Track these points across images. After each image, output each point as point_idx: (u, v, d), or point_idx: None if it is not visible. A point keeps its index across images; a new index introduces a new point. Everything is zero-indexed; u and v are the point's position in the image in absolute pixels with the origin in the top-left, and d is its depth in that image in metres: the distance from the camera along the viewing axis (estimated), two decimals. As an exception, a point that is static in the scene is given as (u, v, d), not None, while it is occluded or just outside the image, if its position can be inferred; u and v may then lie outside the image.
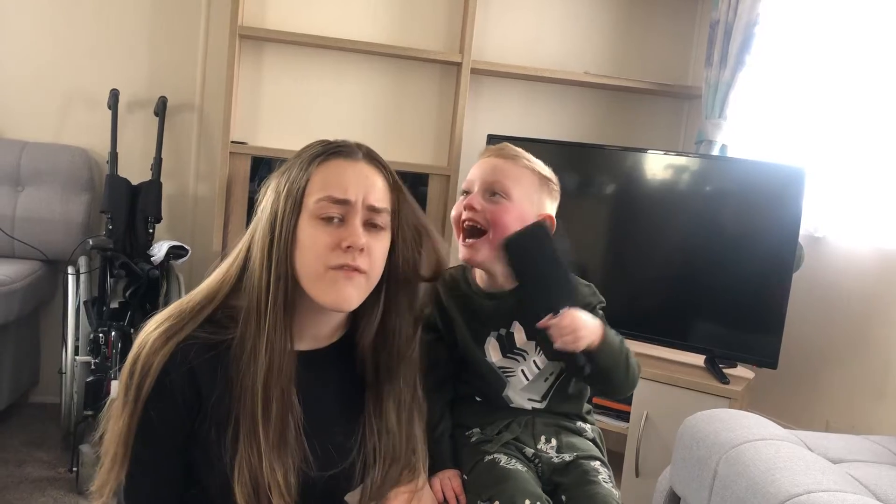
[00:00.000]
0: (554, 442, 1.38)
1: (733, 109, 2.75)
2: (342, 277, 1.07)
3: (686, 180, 2.57)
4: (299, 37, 2.84)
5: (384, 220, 1.13)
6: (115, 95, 2.79)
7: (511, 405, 1.41)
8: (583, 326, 1.24)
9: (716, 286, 2.48)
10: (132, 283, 2.57)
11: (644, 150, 2.67)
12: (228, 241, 2.77)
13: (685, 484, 1.83)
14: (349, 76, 2.99)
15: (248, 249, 1.12)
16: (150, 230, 2.75)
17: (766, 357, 2.37)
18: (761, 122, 2.76)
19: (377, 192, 1.12)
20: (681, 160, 2.60)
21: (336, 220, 1.08)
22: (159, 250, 2.61)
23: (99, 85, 2.89)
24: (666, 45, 3.18)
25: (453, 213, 1.40)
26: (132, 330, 2.48)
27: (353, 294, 1.09)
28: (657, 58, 3.17)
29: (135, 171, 2.84)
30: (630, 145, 2.92)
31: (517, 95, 3.11)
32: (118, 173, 2.74)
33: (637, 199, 2.64)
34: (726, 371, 2.45)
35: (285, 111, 2.97)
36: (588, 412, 1.48)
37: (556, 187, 1.41)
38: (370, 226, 1.11)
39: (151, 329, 1.09)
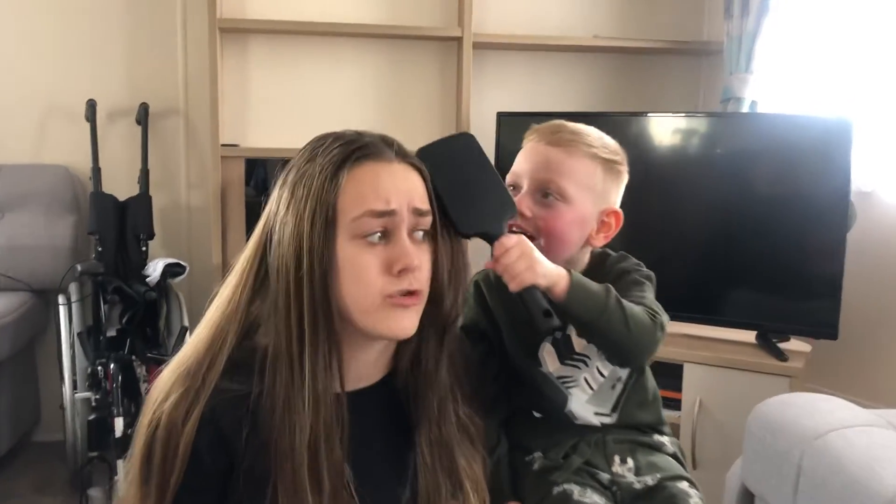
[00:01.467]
0: (631, 462, 1.19)
1: (760, 62, 2.56)
2: (400, 307, 0.92)
3: (719, 142, 2.38)
4: (284, 24, 2.70)
5: (428, 223, 0.96)
6: (91, 106, 2.65)
7: (576, 422, 1.22)
8: (531, 255, 1.04)
9: (762, 254, 2.29)
10: (128, 307, 2.43)
11: (672, 114, 2.47)
12: (228, 252, 2.64)
13: (762, 481, 1.66)
14: (342, 62, 2.84)
15: (257, 274, 0.95)
16: (143, 248, 2.62)
17: (824, 327, 2.18)
18: (792, 73, 2.58)
19: (419, 192, 0.96)
20: (711, 121, 2.41)
21: (378, 235, 0.92)
22: (154, 270, 2.47)
23: (74, 97, 2.73)
24: (676, 1, 3.02)
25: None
26: (133, 358, 2.33)
27: (412, 321, 0.95)
28: (668, 15, 3.01)
29: (121, 185, 2.70)
30: (648, 110, 2.72)
31: (524, 68, 2.97)
32: (103, 190, 2.61)
33: (665, 168, 2.44)
34: (780, 345, 2.26)
35: (276, 107, 2.82)
36: (663, 421, 1.29)
37: (624, 166, 1.23)
38: (415, 235, 0.95)
39: (163, 396, 0.92)
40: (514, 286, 1.03)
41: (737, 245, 2.33)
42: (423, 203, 0.95)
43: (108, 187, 2.63)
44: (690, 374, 2.24)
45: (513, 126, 2.55)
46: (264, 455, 0.89)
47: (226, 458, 0.89)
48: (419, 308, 0.95)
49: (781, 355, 2.19)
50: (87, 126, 2.63)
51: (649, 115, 2.48)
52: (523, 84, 2.95)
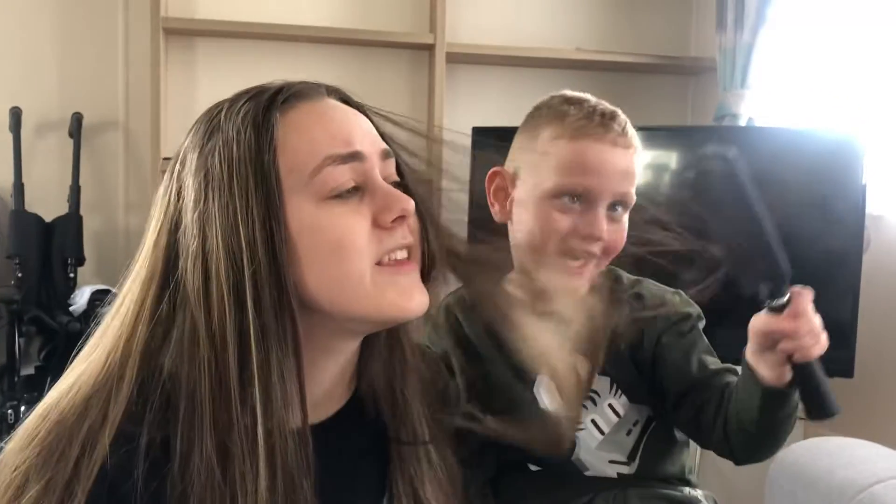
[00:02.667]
0: (660, 524, 0.92)
1: (757, 76, 2.40)
2: (397, 273, 0.71)
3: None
4: (237, 26, 2.49)
5: (394, 170, 0.76)
6: (16, 115, 2.39)
7: (586, 473, 0.96)
8: (819, 323, 0.84)
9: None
10: (48, 341, 2.19)
11: (665, 129, 2.29)
12: None
13: None
14: (301, 70, 2.52)
15: (157, 300, 0.69)
16: (72, 275, 2.35)
17: (837, 365, 1.98)
18: (791, 89, 2.43)
19: (373, 132, 0.75)
20: (706, 137, 2.24)
21: (353, 190, 0.70)
22: (81, 297, 2.18)
23: (-4, 104, 2.49)
24: (662, 13, 2.91)
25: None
26: None
27: (420, 289, 0.74)
28: (655, 28, 2.89)
29: (48, 204, 2.43)
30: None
31: (500, 81, 2.81)
32: (26, 208, 2.35)
33: (659, 187, 2.24)
34: (789, 385, 2.06)
35: None
36: (691, 470, 1.03)
37: None
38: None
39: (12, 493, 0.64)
40: (802, 359, 0.82)
41: (741, 273, 2.13)
42: (383, 143, 0.74)
43: (33, 206, 2.37)
44: None
45: (489, 142, 2.37)
46: None
47: None
48: (417, 273, 0.74)
49: (794, 395, 1.98)
50: (10, 137, 2.38)
51: (643, 129, 2.29)
52: (500, 99, 2.80)
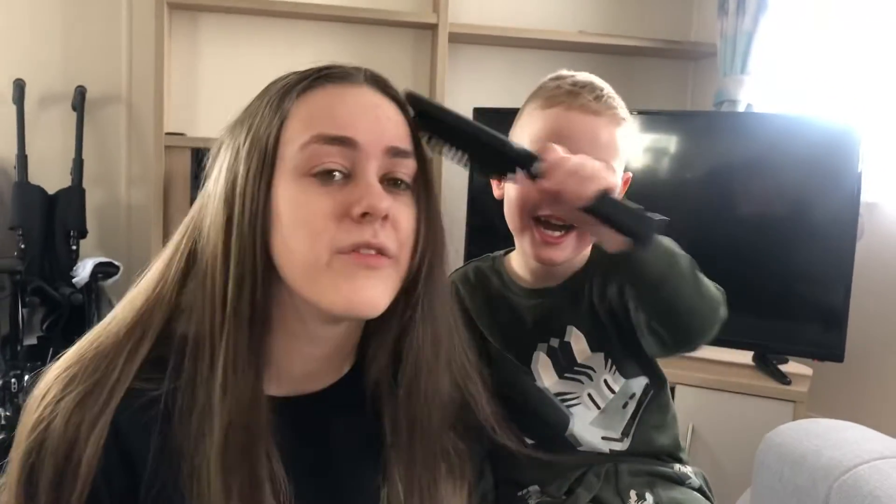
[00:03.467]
0: (650, 498, 0.96)
1: (756, 63, 2.40)
2: (359, 266, 0.69)
3: (715, 145, 2.19)
4: (241, 2, 2.48)
5: (409, 170, 0.74)
6: (20, 87, 2.40)
7: (580, 448, 0.98)
8: (582, 161, 0.82)
9: (760, 267, 2.10)
10: (51, 312, 2.19)
11: (663, 113, 2.30)
12: None
13: None
14: (302, 48, 2.64)
15: (190, 254, 0.74)
16: (74, 247, 2.37)
17: (828, 349, 2.00)
18: (791, 75, 2.43)
19: (396, 128, 0.73)
20: (704, 122, 2.26)
21: (338, 175, 0.70)
22: (83, 270, 2.20)
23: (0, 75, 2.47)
24: None
25: (514, 195, 0.97)
26: None
27: (379, 290, 0.70)
28: (657, 12, 2.88)
29: (51, 177, 2.45)
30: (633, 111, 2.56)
31: (502, 63, 2.80)
32: (29, 180, 2.36)
33: (655, 172, 2.25)
34: (779, 368, 2.08)
35: (228, 94, 2.57)
36: (682, 447, 1.06)
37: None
38: (391, 183, 0.72)
39: (56, 394, 0.68)
40: (581, 201, 0.79)
41: (733, 257, 2.13)
42: (403, 142, 0.73)
43: (36, 178, 2.38)
44: (682, 397, 2.04)
45: (491, 123, 2.37)
46: (174, 471, 0.67)
47: (133, 478, 0.68)
48: (389, 277, 0.72)
49: (784, 378, 2.00)
50: (13, 109, 2.37)
51: (636, 113, 2.29)
52: (501, 80, 2.79)
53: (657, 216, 0.80)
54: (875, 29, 2.20)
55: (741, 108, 2.43)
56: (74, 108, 2.47)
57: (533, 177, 0.81)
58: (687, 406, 2.05)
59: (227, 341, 0.67)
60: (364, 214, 0.68)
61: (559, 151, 0.81)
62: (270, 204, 0.69)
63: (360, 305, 0.69)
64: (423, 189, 0.75)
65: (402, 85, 0.78)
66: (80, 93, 2.47)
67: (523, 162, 0.81)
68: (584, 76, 0.98)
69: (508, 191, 0.98)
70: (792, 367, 2.15)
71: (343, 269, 0.68)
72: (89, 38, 2.57)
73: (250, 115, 0.73)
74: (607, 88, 0.97)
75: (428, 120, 0.78)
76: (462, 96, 2.68)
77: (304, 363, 0.75)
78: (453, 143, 0.80)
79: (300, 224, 0.68)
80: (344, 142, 0.69)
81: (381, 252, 0.69)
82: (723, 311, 0.90)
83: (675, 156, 2.23)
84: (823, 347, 2.02)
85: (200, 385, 0.68)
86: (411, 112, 0.76)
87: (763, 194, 2.15)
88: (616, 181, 0.96)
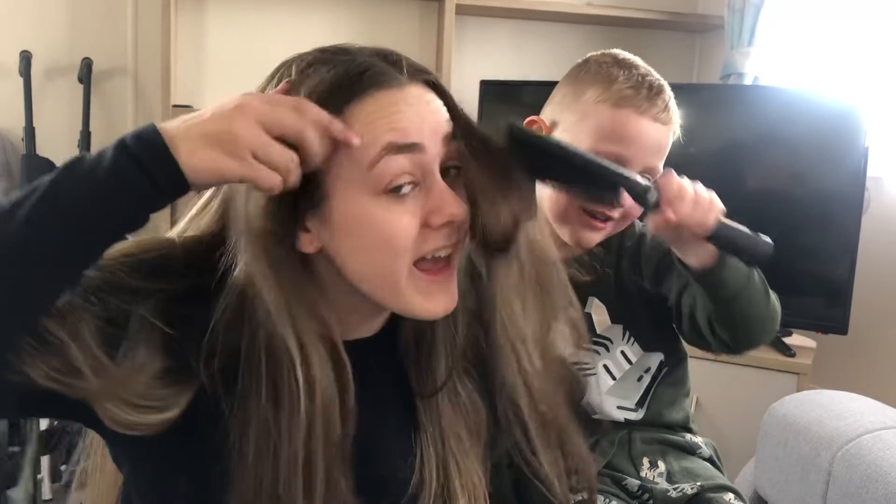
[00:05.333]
0: (662, 466, 0.98)
1: (763, 35, 2.40)
2: (433, 283, 0.72)
3: (721, 119, 2.20)
4: None
5: (456, 149, 0.72)
6: (26, 59, 2.38)
7: (594, 416, 1.00)
8: (698, 189, 0.84)
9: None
10: None
11: (671, 86, 2.28)
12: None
13: (782, 489, 1.49)
14: (310, 19, 2.63)
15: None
16: None
17: (832, 322, 2.03)
18: (798, 47, 2.43)
19: (443, 113, 0.72)
20: (711, 95, 2.28)
21: (408, 187, 0.69)
22: (93, 243, 2.18)
23: (6, 48, 2.46)
24: None
25: None
26: None
27: (452, 295, 0.73)
28: None
29: (59, 149, 2.44)
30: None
31: (509, 34, 2.79)
32: (38, 153, 2.36)
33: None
34: (783, 340, 2.11)
35: (235, 66, 2.59)
36: (692, 419, 1.08)
37: None
38: (445, 174, 0.72)
39: None
40: (704, 231, 0.82)
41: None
42: (450, 124, 0.72)
43: (44, 150, 2.38)
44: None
45: (498, 95, 2.37)
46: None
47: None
48: (456, 270, 0.74)
49: (788, 350, 2.03)
50: (21, 81, 2.37)
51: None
52: (508, 52, 2.79)
53: (767, 239, 0.83)
54: (883, 1, 2.19)
55: (748, 82, 2.43)
56: (81, 81, 2.46)
57: (649, 206, 0.81)
58: (692, 378, 2.04)
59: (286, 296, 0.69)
60: (445, 223, 0.69)
61: (676, 179, 0.82)
62: (341, 230, 0.69)
63: (437, 314, 0.72)
64: (467, 162, 0.74)
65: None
66: (87, 65, 2.46)
67: (641, 194, 0.80)
68: (653, 76, 0.99)
69: None
70: (796, 339, 2.18)
71: (419, 286, 0.70)
72: (95, 9, 2.56)
73: None
74: (668, 89, 0.99)
75: (528, 151, 0.75)
76: (469, 69, 2.67)
77: (347, 314, 0.76)
78: (558, 173, 0.78)
79: (380, 244, 0.68)
80: (413, 148, 0.68)
81: (454, 250, 0.71)
82: (779, 318, 0.95)
83: (680, 129, 2.24)
84: (827, 320, 2.05)
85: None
86: (443, 85, 0.74)
87: (769, 167, 2.16)
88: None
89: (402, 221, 0.68)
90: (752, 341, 0.96)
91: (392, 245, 0.68)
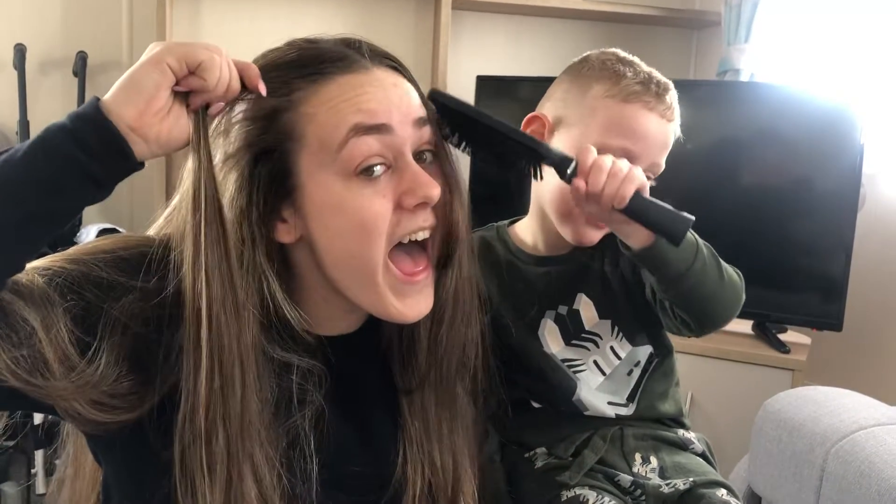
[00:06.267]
0: (654, 462, 0.98)
1: (759, 32, 2.39)
2: (407, 284, 0.72)
3: (717, 115, 2.19)
4: None
5: (430, 137, 0.74)
6: (20, 52, 2.36)
7: (586, 412, 1.00)
8: (616, 162, 0.82)
9: (761, 237, 2.12)
10: None
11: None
12: None
13: (775, 485, 1.49)
14: (306, 14, 2.61)
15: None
16: None
17: (827, 318, 2.02)
18: (794, 44, 2.41)
19: (413, 98, 0.73)
20: (708, 91, 2.26)
21: (379, 168, 0.70)
22: (87, 236, 2.19)
23: (0, 41, 2.44)
24: None
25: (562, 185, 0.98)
26: None
27: (427, 300, 0.75)
28: None
29: (53, 143, 2.39)
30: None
31: (506, 30, 2.77)
32: (31, 146, 2.31)
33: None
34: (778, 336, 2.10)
35: None
36: (684, 413, 1.08)
37: None
38: (418, 158, 0.73)
39: None
40: (620, 203, 0.81)
41: (734, 226, 2.14)
42: (421, 110, 0.72)
43: (38, 145, 2.35)
44: (681, 365, 2.00)
45: (494, 91, 2.36)
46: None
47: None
48: (432, 272, 0.74)
49: (783, 347, 2.02)
50: (15, 74, 2.35)
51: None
52: (505, 48, 2.77)
53: (688, 215, 0.81)
54: (880, -1, 2.19)
55: (744, 78, 2.41)
56: (76, 74, 2.44)
57: (567, 178, 0.81)
58: (686, 374, 2.03)
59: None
60: (420, 204, 0.69)
61: (594, 153, 0.82)
62: (315, 217, 0.69)
63: (409, 318, 0.73)
64: (442, 150, 0.76)
65: (405, 54, 0.77)
66: (82, 58, 2.44)
67: (558, 163, 0.81)
68: (658, 75, 0.98)
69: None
70: (791, 336, 2.17)
71: (395, 285, 0.70)
72: (90, 2, 2.54)
73: (244, 110, 0.70)
74: (673, 88, 0.99)
75: (451, 117, 0.77)
76: (465, 65, 2.66)
77: (324, 308, 0.76)
78: (479, 140, 0.79)
79: (355, 228, 0.68)
80: (380, 129, 0.68)
81: (431, 235, 0.72)
82: (743, 295, 0.93)
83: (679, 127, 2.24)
84: (822, 317, 2.04)
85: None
86: (432, 108, 0.75)
87: (765, 164, 2.15)
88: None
89: (374, 202, 0.68)
90: (712, 321, 0.95)
91: (366, 228, 0.68)
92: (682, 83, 1.01)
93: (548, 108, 1.01)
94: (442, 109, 0.76)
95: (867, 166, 2.15)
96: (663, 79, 0.98)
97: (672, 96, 0.97)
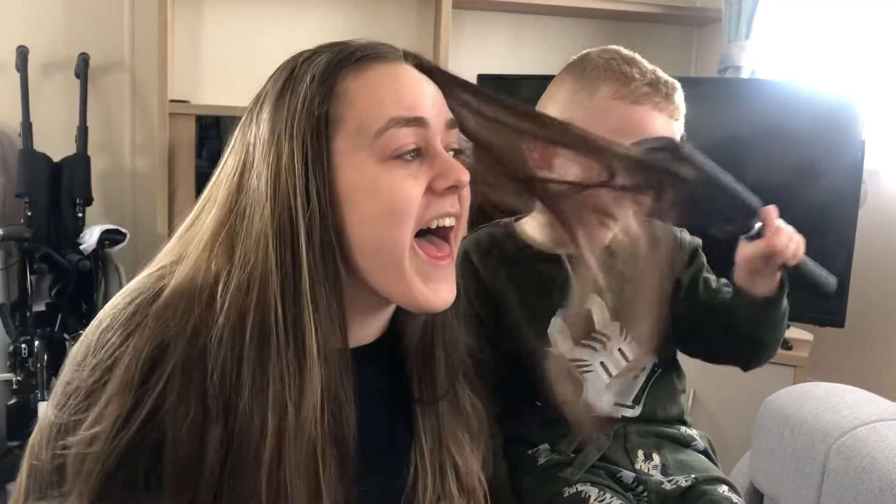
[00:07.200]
0: (657, 459, 0.98)
1: (760, 29, 2.40)
2: (432, 266, 0.73)
3: (719, 111, 2.20)
4: None
5: (457, 139, 0.77)
6: (23, 54, 2.38)
7: (591, 413, 1.00)
8: (788, 226, 0.93)
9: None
10: (59, 279, 2.20)
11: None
12: (175, 220, 2.36)
13: (777, 482, 1.50)
14: (307, 14, 2.62)
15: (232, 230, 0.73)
16: (80, 214, 2.37)
17: (829, 314, 2.02)
18: (794, 40, 2.42)
19: (444, 101, 0.76)
20: (709, 88, 2.27)
21: (411, 155, 0.71)
22: (90, 237, 2.22)
23: (2, 43, 2.46)
24: None
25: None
26: (65, 336, 2.10)
27: (451, 288, 0.76)
28: None
29: (56, 144, 2.44)
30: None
31: (507, 29, 2.79)
32: (35, 148, 2.36)
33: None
34: (779, 333, 2.11)
35: (232, 61, 2.59)
36: (688, 412, 1.09)
37: None
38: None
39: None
40: (794, 262, 0.91)
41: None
42: (451, 113, 0.75)
43: (41, 146, 2.38)
44: (683, 362, 2.02)
45: (495, 90, 2.36)
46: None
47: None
48: (454, 262, 0.76)
49: (785, 343, 2.03)
50: (17, 76, 2.37)
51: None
52: (506, 46, 2.78)
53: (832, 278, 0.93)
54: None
55: (745, 75, 2.42)
56: (78, 76, 2.46)
57: (750, 233, 0.89)
58: (688, 370, 2.02)
59: (317, 305, 0.69)
60: (450, 188, 0.71)
61: (776, 213, 0.90)
62: (347, 198, 0.70)
63: (436, 305, 0.73)
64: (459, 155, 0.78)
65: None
66: (84, 60, 2.46)
67: (747, 218, 0.90)
68: (664, 75, 0.99)
69: (570, 170, 0.98)
70: (793, 332, 2.17)
71: (421, 268, 0.71)
72: (92, 4, 2.56)
73: (284, 94, 0.71)
74: (680, 87, 1.00)
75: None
76: (466, 63, 2.66)
77: (364, 313, 0.77)
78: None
79: (387, 209, 0.69)
80: (418, 122, 0.71)
81: (458, 222, 0.74)
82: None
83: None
84: (824, 313, 2.04)
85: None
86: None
87: (766, 161, 2.16)
88: None
89: (406, 183, 0.70)
90: (751, 363, 1.05)
91: (397, 209, 0.69)
92: (683, 80, 1.01)
93: (552, 108, 1.00)
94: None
95: (869, 162, 2.16)
96: (670, 79, 0.98)
97: (679, 96, 0.98)
